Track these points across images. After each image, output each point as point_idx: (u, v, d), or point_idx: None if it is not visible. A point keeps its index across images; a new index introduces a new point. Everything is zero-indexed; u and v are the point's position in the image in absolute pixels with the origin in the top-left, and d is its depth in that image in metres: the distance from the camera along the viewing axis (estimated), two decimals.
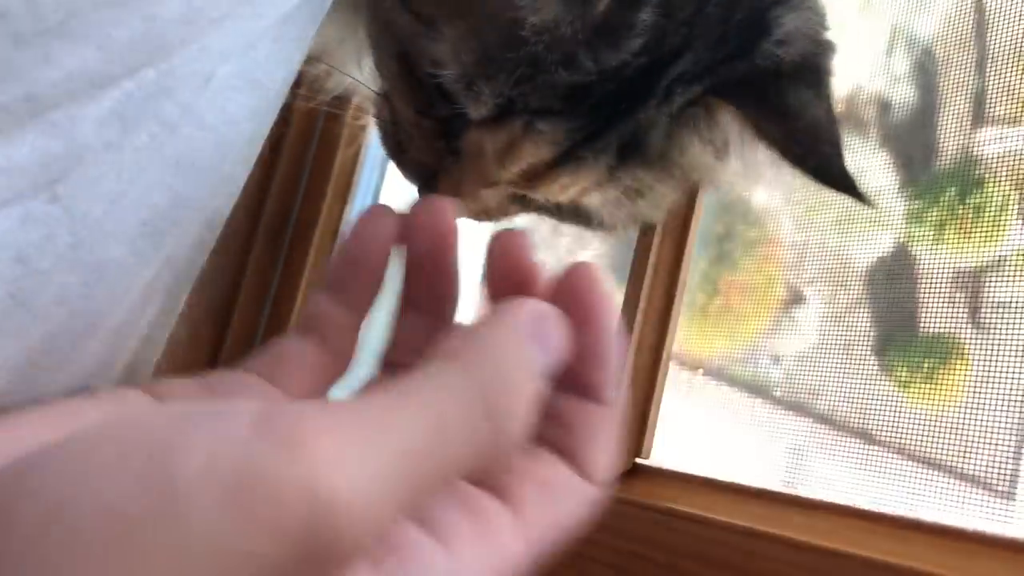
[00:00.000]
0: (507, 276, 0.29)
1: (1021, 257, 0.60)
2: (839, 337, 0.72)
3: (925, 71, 0.68)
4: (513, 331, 0.23)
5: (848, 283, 0.72)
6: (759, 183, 0.48)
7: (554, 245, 1.33)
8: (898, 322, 0.68)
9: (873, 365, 0.69)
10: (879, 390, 0.67)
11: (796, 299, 0.79)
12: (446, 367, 0.21)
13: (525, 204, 0.46)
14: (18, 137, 0.20)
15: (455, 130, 0.41)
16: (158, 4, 0.21)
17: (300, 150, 0.87)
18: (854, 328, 0.71)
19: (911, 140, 0.68)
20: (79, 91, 0.21)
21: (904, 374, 0.66)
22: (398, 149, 0.44)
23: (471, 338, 0.23)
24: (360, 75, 0.48)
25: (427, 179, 0.42)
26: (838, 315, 0.73)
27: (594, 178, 0.41)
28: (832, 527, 0.47)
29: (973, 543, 0.43)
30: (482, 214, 0.46)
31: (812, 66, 0.42)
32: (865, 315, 0.71)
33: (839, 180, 0.40)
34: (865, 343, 0.70)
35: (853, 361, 0.70)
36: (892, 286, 0.68)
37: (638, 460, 0.59)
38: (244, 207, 0.86)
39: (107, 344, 0.29)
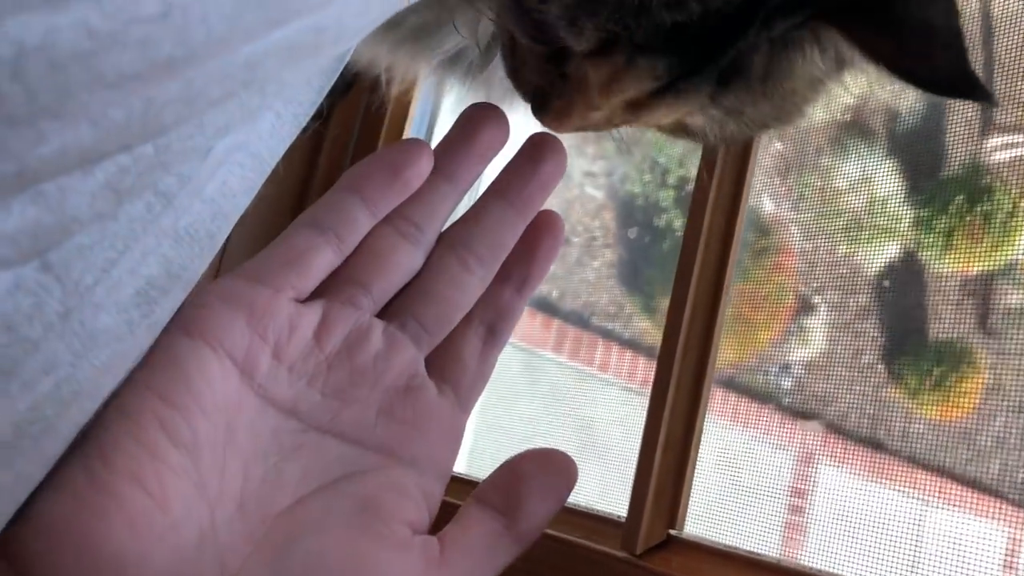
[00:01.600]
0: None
1: None
2: (848, 345, 0.72)
3: None
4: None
5: (857, 291, 0.72)
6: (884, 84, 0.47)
7: (563, 256, 1.33)
8: (907, 330, 0.68)
9: (883, 373, 0.68)
10: (889, 398, 0.67)
11: (806, 307, 0.79)
12: (511, 548, 0.36)
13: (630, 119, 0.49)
14: (5, 207, 0.20)
15: (564, 55, 0.43)
16: (155, 86, 0.20)
17: (343, 141, 0.87)
18: (863, 336, 0.71)
19: (919, 148, 0.68)
20: (71, 165, 0.21)
21: (914, 382, 0.66)
22: (514, 69, 0.46)
23: (534, 523, 0.37)
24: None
25: (540, 100, 0.45)
26: (847, 323, 0.72)
27: (696, 104, 0.43)
28: None
29: None
30: (589, 128, 0.47)
31: None
32: (874, 323, 0.71)
33: (957, 85, 0.39)
34: (874, 351, 0.70)
35: (863, 369, 0.70)
36: (901, 293, 0.68)
37: (671, 532, 0.58)
38: (288, 199, 0.87)
39: (90, 414, 0.30)
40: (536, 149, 0.43)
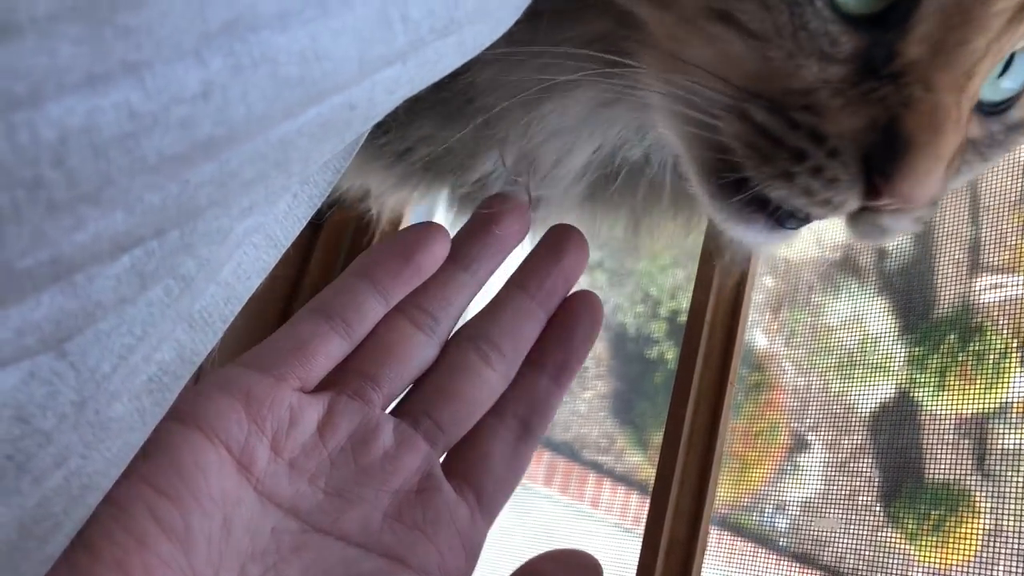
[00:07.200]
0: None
1: None
2: (844, 485, 0.70)
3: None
4: None
5: (851, 429, 0.71)
6: None
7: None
8: (904, 470, 0.66)
9: (880, 515, 0.66)
10: (887, 541, 0.65)
11: (800, 445, 0.77)
12: None
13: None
14: (35, 299, 0.19)
15: (876, 61, 0.33)
16: (191, 168, 0.20)
17: (335, 243, 0.88)
18: (859, 476, 0.69)
19: (909, 287, 0.69)
20: (103, 252, 0.20)
21: (912, 525, 0.64)
22: (787, 171, 0.33)
23: None
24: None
25: (882, 150, 0.31)
26: (842, 462, 0.71)
27: None
28: None
29: None
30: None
31: None
32: (869, 462, 0.69)
33: None
34: (870, 492, 0.68)
35: (859, 510, 0.68)
36: (896, 433, 0.67)
37: None
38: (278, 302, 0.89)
39: (92, 509, 0.28)
40: (558, 240, 0.42)
